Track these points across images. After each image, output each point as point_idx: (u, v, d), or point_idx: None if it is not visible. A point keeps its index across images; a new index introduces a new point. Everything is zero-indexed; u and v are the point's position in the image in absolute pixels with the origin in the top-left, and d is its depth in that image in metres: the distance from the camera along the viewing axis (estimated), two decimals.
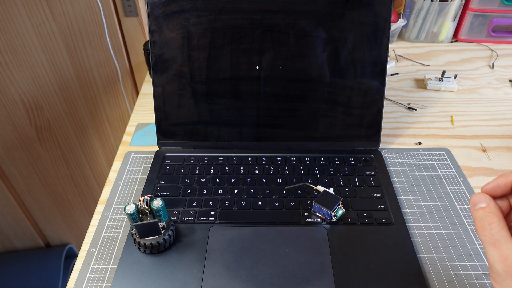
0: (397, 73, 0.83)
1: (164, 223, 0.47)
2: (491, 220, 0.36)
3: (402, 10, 0.92)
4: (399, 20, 0.88)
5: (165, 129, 0.61)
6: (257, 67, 0.58)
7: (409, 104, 0.73)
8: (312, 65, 0.58)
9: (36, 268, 1.22)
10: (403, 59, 0.88)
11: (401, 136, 0.66)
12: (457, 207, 0.53)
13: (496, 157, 0.62)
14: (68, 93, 0.97)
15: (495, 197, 0.39)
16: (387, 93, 0.76)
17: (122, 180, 0.58)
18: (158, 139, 0.61)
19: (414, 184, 0.56)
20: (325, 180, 0.56)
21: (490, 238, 0.36)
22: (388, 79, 0.81)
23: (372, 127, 0.60)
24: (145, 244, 0.46)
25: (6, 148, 1.03)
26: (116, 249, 0.49)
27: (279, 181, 0.56)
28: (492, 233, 0.36)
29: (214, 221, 0.50)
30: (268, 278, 0.44)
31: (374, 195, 0.53)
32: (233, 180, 0.56)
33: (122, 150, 0.64)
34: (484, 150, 0.63)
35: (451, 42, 0.94)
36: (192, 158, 0.60)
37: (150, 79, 0.77)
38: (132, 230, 0.48)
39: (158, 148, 0.62)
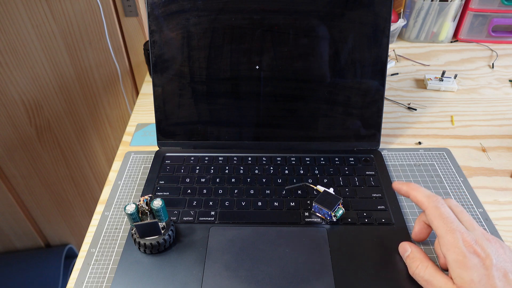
0: (397, 73, 0.83)
1: (164, 223, 0.47)
2: (415, 264, 0.41)
3: (402, 10, 0.92)
4: (399, 20, 0.89)
5: (165, 129, 0.61)
6: (257, 67, 0.58)
7: (409, 104, 0.73)
8: (312, 65, 0.58)
9: (36, 268, 1.22)
10: (403, 59, 0.88)
11: (401, 136, 0.66)
12: None
13: (496, 157, 0.62)
14: (68, 93, 0.97)
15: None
16: (387, 93, 0.76)
17: (122, 180, 0.58)
18: (158, 139, 0.61)
19: None
20: (325, 180, 0.56)
21: (422, 280, 0.40)
22: (388, 79, 0.81)
23: (372, 127, 0.60)
24: (145, 244, 0.46)
25: (6, 148, 1.03)
26: (116, 249, 0.49)
27: (279, 181, 0.56)
28: (421, 275, 0.40)
29: (214, 221, 0.50)
30: (268, 278, 0.44)
31: (374, 195, 0.53)
32: (233, 180, 0.56)
33: (122, 150, 0.64)
34: (484, 150, 0.63)
35: (451, 42, 0.94)
36: (192, 158, 0.60)
37: (150, 79, 0.77)
38: (132, 230, 0.48)
39: (158, 148, 0.62)
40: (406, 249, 0.43)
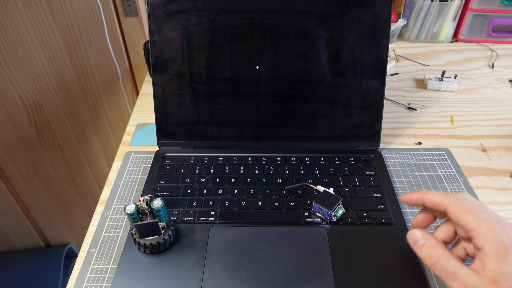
0: (397, 73, 0.83)
1: (164, 223, 0.47)
2: (437, 254, 0.36)
3: (402, 10, 0.92)
4: (399, 20, 0.89)
5: (165, 129, 0.61)
6: (257, 67, 0.58)
7: (409, 104, 0.73)
8: (312, 65, 0.58)
9: (36, 268, 1.22)
10: (403, 59, 0.88)
11: (401, 136, 0.66)
12: None
13: (496, 157, 0.62)
14: (68, 93, 0.97)
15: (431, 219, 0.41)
16: (387, 93, 0.76)
17: (122, 180, 0.58)
18: (158, 139, 0.61)
19: (414, 184, 0.56)
20: (325, 180, 0.56)
21: (446, 273, 0.35)
22: (388, 79, 0.81)
23: (372, 127, 0.60)
24: (145, 244, 0.46)
25: (6, 148, 1.03)
26: (116, 249, 0.49)
27: (279, 181, 0.56)
28: (444, 267, 0.35)
29: (214, 221, 0.50)
30: (268, 278, 0.44)
31: (374, 195, 0.53)
32: (233, 180, 0.56)
33: (122, 150, 0.64)
34: (484, 150, 0.63)
35: (451, 42, 0.94)
36: (192, 158, 0.60)
37: (150, 79, 0.77)
38: (132, 230, 0.48)
39: (158, 148, 0.62)
40: (419, 238, 0.38)
